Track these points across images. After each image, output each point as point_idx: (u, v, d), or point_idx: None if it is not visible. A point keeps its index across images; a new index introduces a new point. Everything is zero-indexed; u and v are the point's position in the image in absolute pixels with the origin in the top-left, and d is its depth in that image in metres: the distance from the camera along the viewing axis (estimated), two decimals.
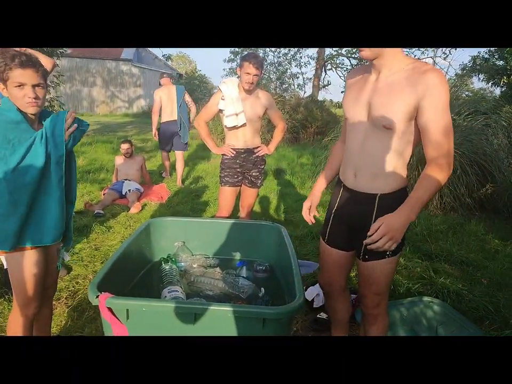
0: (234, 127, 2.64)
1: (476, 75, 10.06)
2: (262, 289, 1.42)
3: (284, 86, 12.91)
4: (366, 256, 1.38)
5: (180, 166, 5.11)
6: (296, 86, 14.11)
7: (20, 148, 1.27)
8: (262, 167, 2.81)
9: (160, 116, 5.04)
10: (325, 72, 14.56)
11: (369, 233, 1.22)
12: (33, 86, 1.29)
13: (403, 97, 1.20)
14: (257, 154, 2.73)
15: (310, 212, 1.64)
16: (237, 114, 2.58)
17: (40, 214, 1.35)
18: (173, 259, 1.58)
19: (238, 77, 2.64)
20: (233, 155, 2.67)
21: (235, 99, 2.59)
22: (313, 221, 1.65)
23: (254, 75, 2.49)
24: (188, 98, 5.20)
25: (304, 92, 14.19)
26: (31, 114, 1.34)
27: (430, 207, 4.30)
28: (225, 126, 2.65)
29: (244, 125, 2.63)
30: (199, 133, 2.84)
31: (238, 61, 2.64)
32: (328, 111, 11.41)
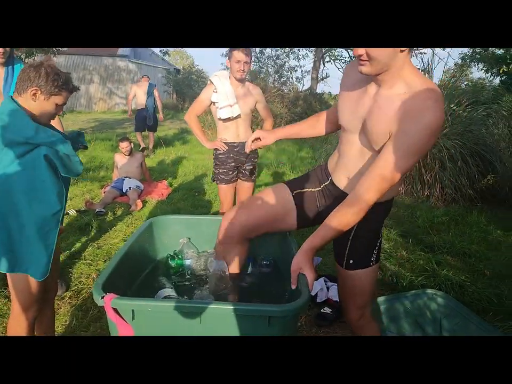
0: (229, 119, 2.64)
1: (475, 64, 9.98)
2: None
3: (282, 79, 12.82)
4: (351, 261, 1.32)
5: (151, 141, 7.20)
6: (294, 79, 14.04)
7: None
8: (255, 160, 2.81)
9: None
10: (323, 64, 14.46)
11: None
12: None
13: (392, 123, 1.09)
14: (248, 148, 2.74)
15: (253, 143, 1.57)
16: (231, 106, 2.59)
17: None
18: (179, 256, 1.58)
19: (228, 69, 2.63)
20: (225, 149, 2.67)
21: (228, 91, 2.59)
22: (251, 148, 1.59)
23: (244, 62, 2.49)
24: (156, 93, 6.89)
25: (303, 85, 14.13)
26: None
27: (431, 198, 4.30)
28: (219, 118, 2.64)
29: (237, 117, 2.63)
30: (191, 127, 2.84)
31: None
32: (327, 104, 11.38)
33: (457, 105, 4.89)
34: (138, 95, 6.76)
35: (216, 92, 2.60)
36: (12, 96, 1.32)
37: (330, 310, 2.14)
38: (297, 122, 1.64)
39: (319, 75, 14.14)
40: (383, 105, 1.11)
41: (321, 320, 2.08)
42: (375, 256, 1.34)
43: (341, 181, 1.33)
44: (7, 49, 1.88)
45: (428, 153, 4.42)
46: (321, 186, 1.42)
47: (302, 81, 14.52)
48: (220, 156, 2.71)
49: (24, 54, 7.04)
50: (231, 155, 2.68)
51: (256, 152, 2.81)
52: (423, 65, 5.19)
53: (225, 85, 2.60)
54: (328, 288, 2.33)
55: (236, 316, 0.99)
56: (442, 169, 4.32)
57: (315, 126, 1.57)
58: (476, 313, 2.08)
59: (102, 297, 0.99)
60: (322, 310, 2.14)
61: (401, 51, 1.05)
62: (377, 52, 1.03)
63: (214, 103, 2.63)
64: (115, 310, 1.00)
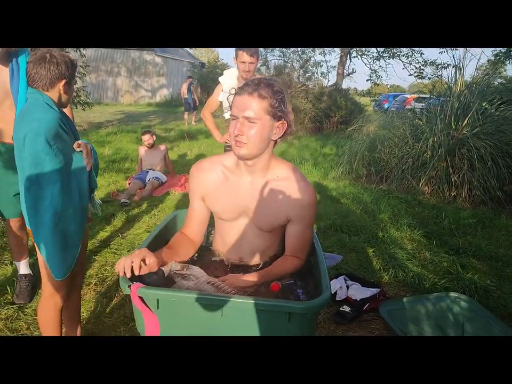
0: None
1: (510, 62, 9.59)
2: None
3: (307, 74, 12.64)
4: None
5: (194, 115, 11.39)
6: (319, 74, 13.85)
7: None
8: None
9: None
10: (350, 59, 14.20)
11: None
12: None
13: (281, 209, 1.25)
14: None
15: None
16: None
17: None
18: None
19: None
20: None
21: (232, 91, 2.61)
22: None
23: (249, 63, 2.49)
24: (192, 88, 11.04)
25: (328, 80, 13.89)
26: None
27: (458, 200, 4.19)
28: (224, 117, 2.70)
29: None
30: (205, 124, 2.99)
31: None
32: (353, 100, 11.17)
33: (489, 104, 4.73)
34: (183, 89, 11.12)
35: (223, 91, 2.66)
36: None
37: (349, 309, 2.13)
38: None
39: (345, 70, 13.91)
40: (266, 193, 1.26)
41: (340, 318, 2.07)
42: None
43: (231, 259, 1.41)
44: (3, 49, 1.74)
45: (457, 153, 4.31)
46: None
47: (327, 77, 14.32)
48: (227, 149, 2.80)
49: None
50: None
51: None
52: (455, 61, 5.04)
53: (231, 84, 2.63)
54: (348, 287, 2.31)
55: (256, 310, 1.00)
56: (471, 170, 4.19)
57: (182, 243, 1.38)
58: (501, 319, 2.03)
59: (129, 286, 1.02)
60: (341, 308, 2.14)
61: (273, 140, 1.22)
62: (255, 135, 1.15)
63: (221, 102, 2.73)
64: (141, 298, 1.03)
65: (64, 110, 1.56)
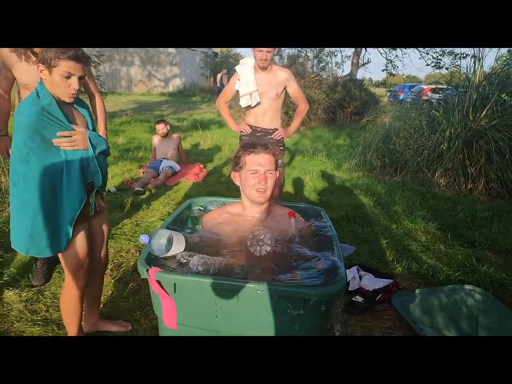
0: (249, 107, 2.72)
1: None
2: None
3: (321, 64, 12.40)
4: None
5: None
6: (334, 64, 13.58)
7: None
8: (281, 147, 2.81)
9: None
10: (365, 49, 13.91)
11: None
12: (79, 78, 1.34)
13: None
14: (272, 137, 2.74)
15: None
16: (250, 94, 2.64)
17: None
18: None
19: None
20: (249, 132, 2.77)
21: (249, 79, 2.64)
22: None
23: (266, 51, 2.48)
24: (224, 78, 10.59)
25: (342, 71, 13.66)
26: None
27: (475, 192, 4.11)
28: (240, 105, 2.74)
29: (258, 103, 2.68)
30: (220, 113, 3.00)
31: None
32: (367, 91, 10.96)
33: (508, 95, 4.60)
34: (218, 78, 12.43)
35: (239, 80, 2.67)
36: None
37: (362, 299, 2.13)
38: None
39: (360, 60, 13.64)
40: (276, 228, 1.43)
41: (353, 308, 2.08)
42: None
43: None
44: None
45: (474, 145, 4.22)
46: None
47: (341, 67, 14.08)
48: (243, 138, 2.80)
49: None
50: (253, 139, 2.73)
51: (281, 141, 2.83)
52: (474, 51, 4.90)
53: (247, 72, 2.63)
54: (360, 277, 2.31)
55: (271, 296, 1.01)
56: (488, 162, 4.10)
57: None
58: None
59: (147, 270, 1.04)
60: (354, 298, 2.14)
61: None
62: (272, 183, 1.43)
63: (237, 91, 2.72)
64: (158, 282, 1.05)
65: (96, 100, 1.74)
